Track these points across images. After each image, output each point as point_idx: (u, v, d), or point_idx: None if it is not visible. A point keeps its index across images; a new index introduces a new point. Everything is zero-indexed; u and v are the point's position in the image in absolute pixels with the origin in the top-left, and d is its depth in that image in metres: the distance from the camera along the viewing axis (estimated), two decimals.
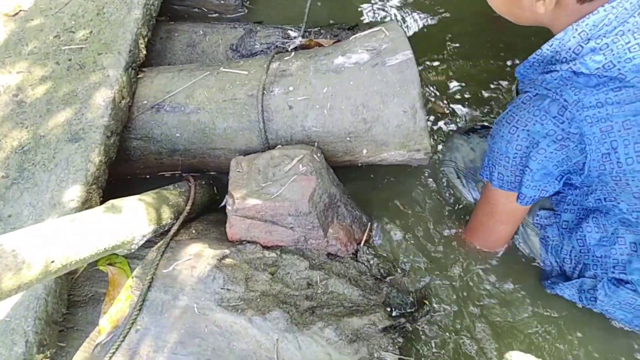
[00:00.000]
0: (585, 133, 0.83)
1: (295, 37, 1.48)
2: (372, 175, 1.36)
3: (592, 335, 1.09)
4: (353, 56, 1.19)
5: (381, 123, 1.16)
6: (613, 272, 0.99)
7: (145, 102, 1.28)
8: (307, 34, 1.50)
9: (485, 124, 1.39)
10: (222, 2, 1.67)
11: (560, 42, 0.84)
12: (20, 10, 1.43)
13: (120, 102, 1.24)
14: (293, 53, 1.29)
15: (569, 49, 0.83)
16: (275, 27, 1.56)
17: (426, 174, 1.34)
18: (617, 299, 0.99)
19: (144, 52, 1.36)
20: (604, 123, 0.81)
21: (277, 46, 1.44)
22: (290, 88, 1.20)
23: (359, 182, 1.35)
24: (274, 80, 1.22)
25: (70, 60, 1.30)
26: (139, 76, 1.34)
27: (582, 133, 0.83)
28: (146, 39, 1.37)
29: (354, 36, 1.24)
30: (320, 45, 1.37)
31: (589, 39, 0.81)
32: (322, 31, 1.53)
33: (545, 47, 0.87)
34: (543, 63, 0.90)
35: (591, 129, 0.82)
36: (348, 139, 1.19)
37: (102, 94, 1.22)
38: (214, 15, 1.72)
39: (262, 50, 1.50)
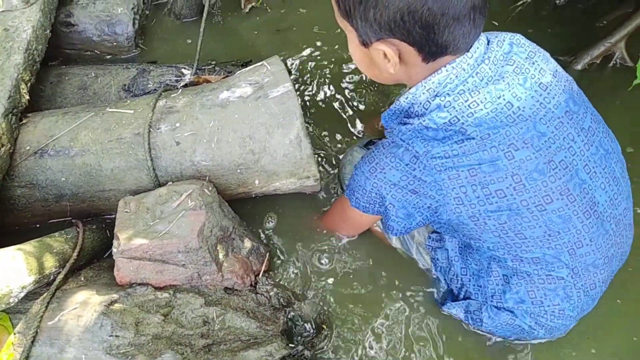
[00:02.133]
0: (436, 180, 0.89)
1: (188, 75, 1.49)
2: (269, 206, 1.37)
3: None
4: (237, 90, 1.22)
5: (269, 153, 1.18)
6: (492, 301, 1.08)
7: (27, 147, 1.23)
8: (200, 71, 1.52)
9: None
10: (114, 43, 1.66)
11: (413, 96, 0.90)
12: None
13: (0, 149, 1.19)
14: (180, 90, 1.30)
15: (420, 103, 0.89)
16: (169, 66, 1.57)
17: (320, 198, 1.37)
18: (499, 321, 1.08)
19: (27, 97, 1.32)
20: (451, 171, 0.87)
21: (167, 84, 1.44)
22: (177, 124, 1.21)
23: (256, 213, 1.36)
24: (161, 118, 1.22)
25: None
26: (22, 122, 1.29)
27: (434, 180, 0.89)
28: (29, 84, 1.34)
29: (238, 71, 1.28)
30: (208, 81, 1.39)
31: (435, 96, 0.87)
32: (216, 68, 1.55)
33: (402, 99, 0.93)
34: (401, 114, 0.96)
35: (440, 175, 0.88)
36: (238, 170, 1.21)
37: None
38: (108, 57, 1.70)
39: (155, 90, 1.49)
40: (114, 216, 1.27)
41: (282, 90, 1.18)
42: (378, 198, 1.00)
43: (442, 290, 1.23)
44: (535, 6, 1.76)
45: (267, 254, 1.25)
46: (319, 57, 1.70)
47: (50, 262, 1.10)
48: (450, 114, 0.85)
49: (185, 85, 1.42)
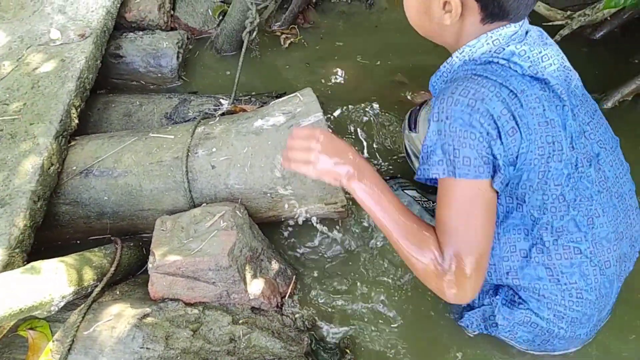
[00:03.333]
0: (528, 123, 0.88)
1: (226, 104, 1.57)
2: (298, 230, 1.41)
3: None
4: (271, 119, 1.28)
5: (298, 179, 1.23)
6: (507, 278, 1.03)
7: (74, 167, 1.32)
8: (237, 101, 1.60)
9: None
10: (158, 75, 1.77)
11: (471, 49, 0.93)
12: None
13: (49, 168, 1.28)
14: (218, 118, 1.37)
15: (479, 56, 0.92)
16: (208, 96, 1.66)
17: (347, 226, 1.40)
18: (514, 320, 1.05)
19: (76, 121, 1.42)
20: (540, 117, 0.89)
21: (206, 113, 1.53)
22: (214, 149, 1.27)
23: (285, 237, 1.40)
24: (199, 143, 1.29)
25: (1, 130, 1.34)
26: (70, 144, 1.39)
27: (527, 123, 0.88)
28: (79, 110, 1.44)
29: (273, 102, 1.34)
30: (244, 110, 1.46)
31: (506, 45, 0.90)
32: (252, 99, 1.63)
33: (455, 55, 0.96)
34: (449, 76, 0.98)
35: (533, 120, 0.88)
36: (269, 194, 1.26)
37: (31, 161, 1.26)
38: (152, 87, 1.81)
39: (194, 118, 1.58)
40: (150, 234, 1.33)
41: (313, 120, 1.24)
42: (486, 141, 0.86)
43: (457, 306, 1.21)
44: (569, 41, 1.78)
45: (294, 277, 1.29)
46: (351, 90, 1.76)
47: (89, 275, 1.16)
48: (531, 63, 0.89)
49: (223, 114, 1.49)
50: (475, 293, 0.91)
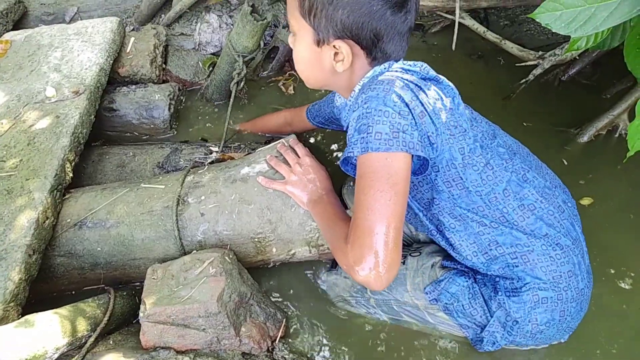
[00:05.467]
0: (434, 109, 1.00)
1: (215, 152, 1.63)
2: (287, 273, 1.44)
3: None
4: (257, 166, 1.33)
5: (285, 223, 1.27)
6: (492, 251, 1.11)
7: (68, 220, 1.36)
8: (227, 148, 1.66)
9: None
10: (151, 126, 1.84)
11: (367, 79, 1.05)
12: None
13: (44, 222, 1.32)
14: (207, 166, 1.43)
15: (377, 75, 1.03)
16: (199, 144, 1.72)
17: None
18: (526, 304, 1.10)
19: (71, 175, 1.47)
20: (441, 105, 1.01)
21: (196, 161, 1.58)
22: (202, 197, 1.32)
23: (274, 280, 1.43)
24: (188, 192, 1.34)
25: None
26: (65, 197, 1.43)
27: (432, 109, 0.99)
28: (73, 163, 1.49)
29: (259, 149, 1.40)
30: (232, 158, 1.52)
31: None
32: (241, 145, 1.69)
33: (356, 87, 1.08)
34: (356, 100, 1.04)
35: (436, 106, 1.00)
36: (257, 239, 1.29)
37: (27, 216, 1.30)
38: (145, 137, 1.88)
39: (185, 166, 1.63)
40: (143, 283, 1.36)
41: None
42: (398, 120, 0.92)
43: (475, 334, 1.22)
44: (541, 81, 1.87)
45: (284, 320, 1.31)
46: (335, 135, 1.83)
47: (82, 326, 1.18)
48: (420, 69, 1.04)
49: (212, 162, 1.55)
50: (393, 273, 0.91)
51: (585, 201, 1.50)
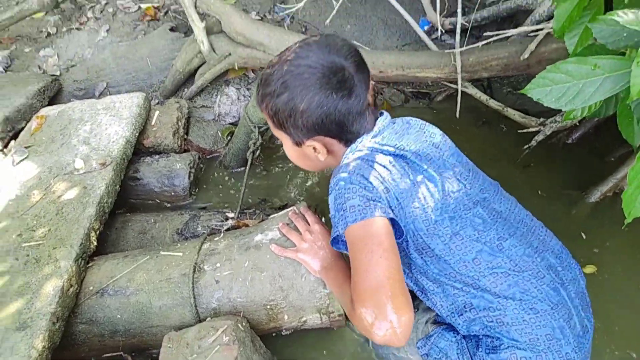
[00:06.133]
0: (398, 185, 1.07)
1: (231, 219, 1.71)
2: (299, 341, 1.46)
3: None
4: (270, 233, 1.40)
5: (296, 290, 1.32)
6: (468, 313, 1.12)
7: (91, 287, 1.43)
8: (242, 215, 1.73)
9: None
10: (172, 193, 1.93)
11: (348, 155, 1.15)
12: None
13: (68, 289, 1.39)
14: (223, 234, 1.50)
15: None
16: (216, 211, 1.80)
17: (344, 334, 1.45)
18: None
19: (95, 243, 1.56)
20: (407, 179, 1.09)
21: (213, 228, 1.66)
22: (218, 265, 1.38)
23: (287, 348, 1.45)
24: (204, 259, 1.40)
25: (28, 255, 1.48)
26: (89, 265, 1.51)
27: (396, 184, 1.07)
28: (97, 232, 1.58)
29: (272, 216, 1.47)
30: (247, 225, 1.59)
31: (368, 143, 1.14)
32: (256, 211, 1.77)
33: (343, 160, 1.16)
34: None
35: (401, 181, 1.08)
36: (269, 306, 1.34)
37: (53, 284, 1.38)
38: (167, 204, 1.97)
39: (203, 232, 1.71)
40: (159, 350, 1.40)
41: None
42: (365, 193, 1.03)
43: None
44: (547, 145, 1.92)
45: None
46: None
47: None
48: (391, 146, 1.12)
49: (228, 229, 1.62)
50: (406, 321, 0.92)
51: (589, 269, 1.51)
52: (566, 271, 1.15)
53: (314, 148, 1.15)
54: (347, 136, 1.13)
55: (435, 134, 1.21)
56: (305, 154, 1.19)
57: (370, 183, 1.04)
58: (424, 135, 1.18)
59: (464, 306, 1.12)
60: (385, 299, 0.93)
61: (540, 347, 1.07)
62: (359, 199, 1.02)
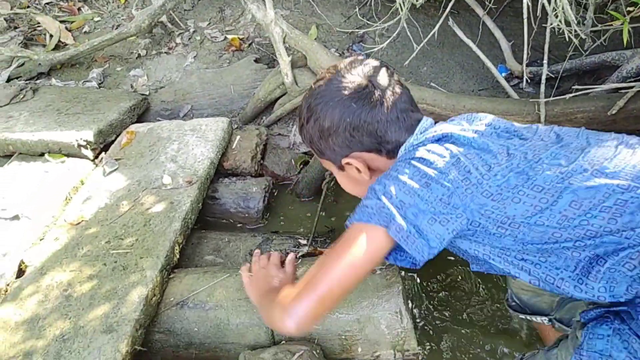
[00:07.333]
0: (447, 165, 0.97)
1: (304, 245, 1.75)
2: None
3: None
4: None
5: (373, 323, 1.33)
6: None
7: (172, 299, 1.49)
8: (314, 242, 1.77)
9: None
10: (246, 215, 2.00)
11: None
12: (82, 220, 1.77)
13: (151, 298, 1.46)
14: (300, 259, 1.54)
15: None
16: (288, 236, 1.85)
17: None
18: None
19: (178, 256, 1.63)
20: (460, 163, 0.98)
21: (287, 252, 1.70)
22: None
23: None
24: None
25: (116, 262, 1.56)
26: (170, 276, 1.58)
27: (445, 167, 0.96)
28: (180, 246, 1.66)
29: None
30: (322, 253, 1.62)
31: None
32: (327, 240, 1.80)
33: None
34: None
35: (450, 161, 0.98)
36: (344, 337, 1.35)
37: (138, 292, 1.45)
38: (239, 225, 2.04)
39: None
40: None
41: (386, 268, 1.37)
42: (388, 198, 0.93)
43: None
44: None
45: None
46: None
47: None
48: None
49: (304, 255, 1.66)
50: (308, 321, 0.93)
51: None
52: None
53: (357, 169, 1.08)
54: (385, 147, 1.05)
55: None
56: (353, 178, 1.12)
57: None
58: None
59: (590, 263, 0.89)
60: (313, 300, 0.93)
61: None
62: (375, 202, 0.96)
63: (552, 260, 0.92)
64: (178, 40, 2.96)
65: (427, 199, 0.92)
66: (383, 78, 1.06)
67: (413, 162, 0.97)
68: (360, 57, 1.10)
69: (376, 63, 1.09)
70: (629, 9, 1.58)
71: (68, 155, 2.14)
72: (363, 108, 1.02)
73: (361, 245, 0.93)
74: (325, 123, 1.05)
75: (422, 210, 0.92)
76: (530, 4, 1.78)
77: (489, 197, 0.92)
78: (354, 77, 1.04)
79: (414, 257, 0.94)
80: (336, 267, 0.93)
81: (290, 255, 1.35)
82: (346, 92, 1.03)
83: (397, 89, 1.06)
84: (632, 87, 1.72)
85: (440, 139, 1.01)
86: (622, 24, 1.52)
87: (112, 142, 2.21)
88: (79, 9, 3.33)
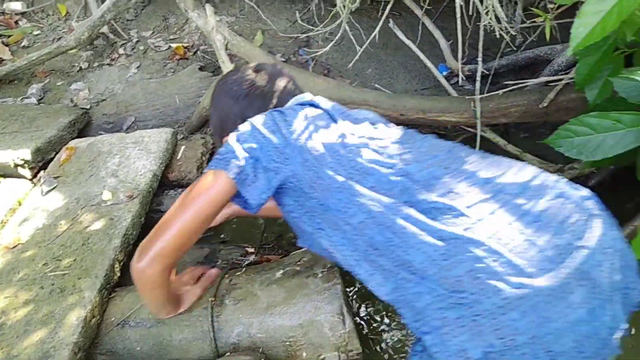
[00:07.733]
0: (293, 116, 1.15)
1: (251, 253, 1.73)
2: None
3: None
4: (291, 269, 1.42)
5: (315, 327, 1.33)
6: None
7: (113, 319, 1.46)
8: (262, 249, 1.76)
9: None
10: None
11: None
12: (19, 243, 1.70)
13: (90, 320, 1.41)
14: (244, 268, 1.52)
15: None
16: (236, 245, 1.83)
17: None
18: None
19: (119, 274, 1.59)
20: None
21: (234, 262, 1.68)
22: (239, 299, 1.40)
23: None
24: (225, 294, 1.42)
25: (53, 284, 1.51)
26: (111, 296, 1.54)
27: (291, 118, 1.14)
28: (122, 263, 1.62)
29: (293, 252, 1.50)
30: (269, 260, 1.62)
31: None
32: (275, 247, 1.79)
33: None
34: None
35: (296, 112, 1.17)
36: (288, 342, 1.34)
37: (76, 314, 1.40)
38: None
39: (224, 267, 1.73)
40: None
41: (327, 270, 1.37)
42: (239, 142, 1.07)
43: None
44: None
45: None
46: None
47: None
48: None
49: (250, 264, 1.65)
50: (152, 262, 1.10)
51: None
52: None
53: None
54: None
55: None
56: None
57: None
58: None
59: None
60: (161, 242, 1.09)
61: None
62: (225, 149, 1.12)
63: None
64: (121, 51, 2.90)
65: (267, 147, 1.07)
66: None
67: (272, 112, 1.13)
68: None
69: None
70: (549, 6, 1.64)
71: (4, 176, 2.06)
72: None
73: (207, 190, 1.06)
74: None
75: (260, 157, 1.06)
76: (463, 3, 1.83)
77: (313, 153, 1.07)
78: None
79: (247, 200, 1.07)
80: (184, 211, 1.07)
81: (212, 271, 1.44)
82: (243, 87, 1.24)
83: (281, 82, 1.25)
84: (561, 80, 1.79)
85: (304, 104, 1.17)
86: (544, 21, 1.57)
87: (52, 159, 2.14)
88: (16, 22, 3.22)
